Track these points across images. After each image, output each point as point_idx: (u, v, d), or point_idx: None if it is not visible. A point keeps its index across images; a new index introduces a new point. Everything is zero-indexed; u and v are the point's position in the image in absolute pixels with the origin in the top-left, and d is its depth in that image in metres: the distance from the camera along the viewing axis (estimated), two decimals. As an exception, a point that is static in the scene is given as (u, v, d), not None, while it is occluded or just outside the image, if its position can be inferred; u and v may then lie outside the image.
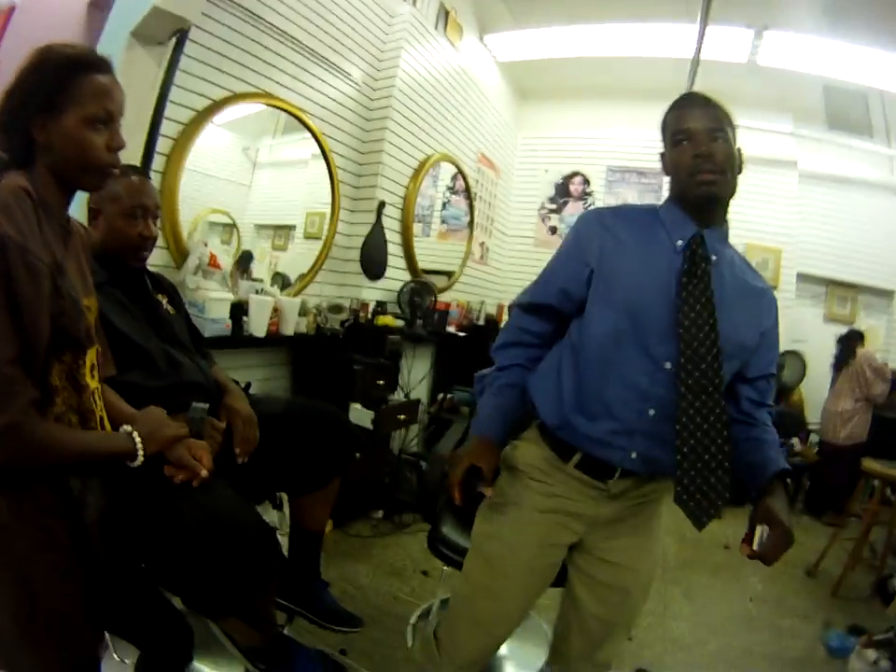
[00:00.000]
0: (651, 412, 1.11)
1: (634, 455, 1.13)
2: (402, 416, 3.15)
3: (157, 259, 2.42)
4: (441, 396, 4.00)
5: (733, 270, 1.16)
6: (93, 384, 1.04)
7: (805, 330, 5.30)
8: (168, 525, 1.11)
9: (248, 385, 1.87)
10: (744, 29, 4.18)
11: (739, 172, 1.15)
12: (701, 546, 3.56)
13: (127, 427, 1.07)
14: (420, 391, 4.00)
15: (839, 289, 5.53)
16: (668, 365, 1.10)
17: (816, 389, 4.97)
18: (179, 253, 2.54)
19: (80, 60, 0.97)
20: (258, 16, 2.78)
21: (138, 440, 1.06)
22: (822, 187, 5.49)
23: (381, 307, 3.59)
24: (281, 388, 3.11)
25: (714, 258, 1.12)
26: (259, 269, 3.16)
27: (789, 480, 1.09)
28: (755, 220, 5.30)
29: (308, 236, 3.45)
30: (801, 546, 3.48)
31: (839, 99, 4.98)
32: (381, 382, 3.08)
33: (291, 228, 3.42)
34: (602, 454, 1.15)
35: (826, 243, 5.45)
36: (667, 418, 1.09)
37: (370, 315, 3.41)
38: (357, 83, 3.56)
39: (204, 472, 1.16)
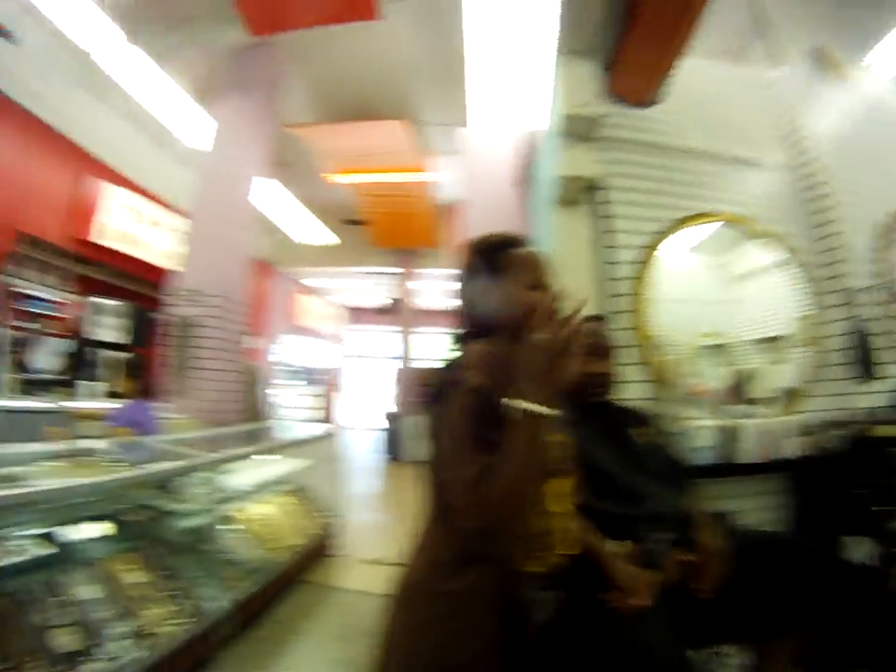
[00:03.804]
0: None
1: None
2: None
3: (642, 392, 2.65)
4: None
5: None
6: (558, 508, 1.18)
7: None
8: (597, 646, 1.24)
9: (723, 515, 1.82)
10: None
11: None
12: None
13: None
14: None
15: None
16: None
17: None
18: (663, 384, 2.69)
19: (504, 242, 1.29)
20: (662, 146, 2.97)
21: None
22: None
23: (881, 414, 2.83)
24: (772, 519, 2.73)
25: None
26: (760, 387, 3.00)
27: None
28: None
29: (799, 345, 3.04)
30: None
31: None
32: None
33: (782, 338, 3.14)
34: None
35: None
36: None
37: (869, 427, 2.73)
38: (777, 168, 3.25)
39: (639, 602, 1.28)
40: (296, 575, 3.57)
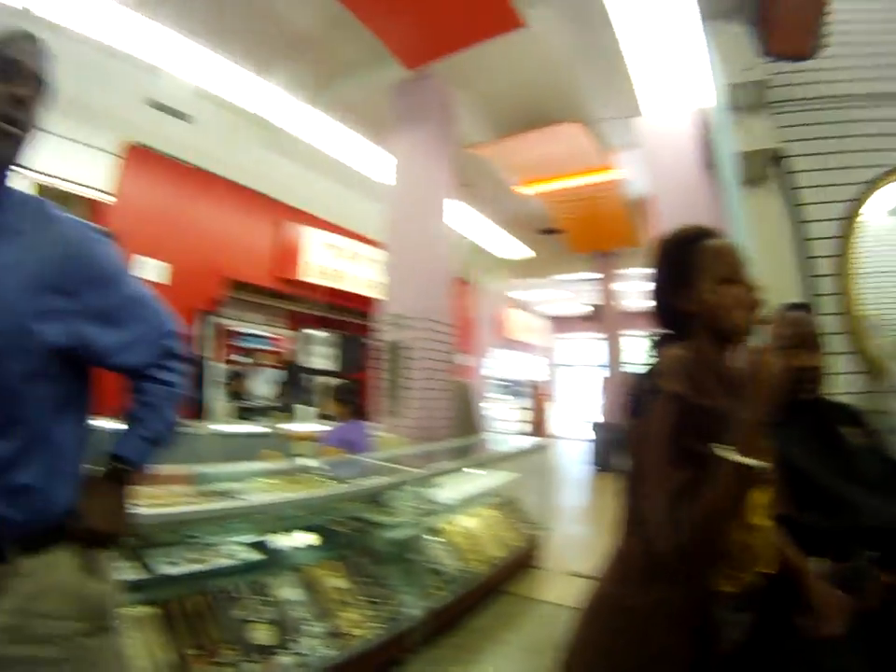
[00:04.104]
0: None
1: None
2: None
3: (853, 386, 2.32)
4: None
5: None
6: (760, 522, 1.06)
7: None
8: None
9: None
10: None
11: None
12: None
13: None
14: None
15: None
16: None
17: None
18: (877, 374, 2.32)
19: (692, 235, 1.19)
20: (839, 97, 2.55)
21: None
22: None
23: None
24: None
25: None
26: None
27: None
28: None
29: None
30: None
31: None
32: None
33: None
34: None
35: None
36: None
37: None
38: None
39: (832, 629, 1.12)
40: (498, 586, 3.60)
